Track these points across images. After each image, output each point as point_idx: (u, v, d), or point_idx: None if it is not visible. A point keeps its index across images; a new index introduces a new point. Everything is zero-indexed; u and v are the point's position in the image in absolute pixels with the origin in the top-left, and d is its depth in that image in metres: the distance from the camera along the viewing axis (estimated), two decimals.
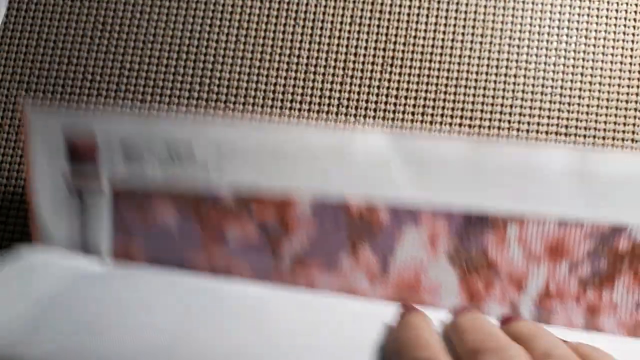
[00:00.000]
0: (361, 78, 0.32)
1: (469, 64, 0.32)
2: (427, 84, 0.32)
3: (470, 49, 0.32)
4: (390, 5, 0.32)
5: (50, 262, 0.27)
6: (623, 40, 0.32)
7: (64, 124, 0.27)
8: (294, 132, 0.28)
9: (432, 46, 0.32)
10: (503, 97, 0.31)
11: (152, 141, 0.27)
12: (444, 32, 0.32)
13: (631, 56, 0.32)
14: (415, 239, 0.29)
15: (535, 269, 0.29)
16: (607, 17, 0.32)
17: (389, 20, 0.32)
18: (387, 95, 0.32)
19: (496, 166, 0.28)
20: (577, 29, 0.32)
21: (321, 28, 0.32)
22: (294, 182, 0.28)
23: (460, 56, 0.32)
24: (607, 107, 0.31)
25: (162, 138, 0.27)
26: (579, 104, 0.31)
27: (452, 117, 0.31)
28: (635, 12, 0.32)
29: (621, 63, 0.32)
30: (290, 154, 0.28)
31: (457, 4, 0.32)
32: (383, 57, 0.32)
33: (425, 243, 0.29)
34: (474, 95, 0.32)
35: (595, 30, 0.32)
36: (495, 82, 0.32)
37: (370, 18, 0.32)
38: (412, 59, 0.32)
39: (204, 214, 0.28)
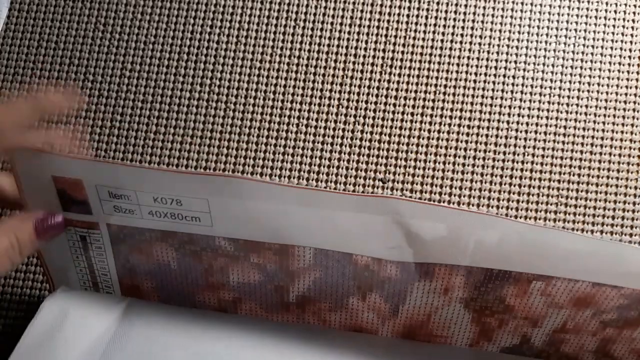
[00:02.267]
0: (361, 79, 0.32)
1: (468, 64, 0.32)
2: (427, 84, 0.32)
3: (470, 50, 0.32)
4: (390, 6, 0.33)
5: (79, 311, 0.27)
6: (622, 41, 0.32)
7: (53, 172, 0.26)
8: (283, 198, 0.25)
9: (432, 47, 0.32)
10: (502, 98, 0.32)
11: (140, 195, 0.26)
12: (443, 33, 0.32)
13: (630, 57, 0.32)
14: (428, 291, 0.27)
15: (556, 313, 0.27)
16: (605, 18, 0.32)
17: (388, 21, 0.33)
18: (387, 96, 0.32)
19: (519, 245, 0.25)
20: (575, 30, 0.32)
21: (321, 29, 0.33)
22: (292, 240, 0.26)
23: (460, 57, 0.32)
24: (605, 108, 0.32)
25: (150, 193, 0.25)
26: (577, 105, 0.32)
27: (451, 117, 0.31)
28: (634, 13, 0.33)
29: (620, 64, 0.32)
30: (284, 217, 0.26)
31: (457, 5, 0.33)
32: (383, 57, 0.32)
33: (438, 293, 0.27)
34: (473, 95, 0.32)
35: (594, 32, 0.32)
36: (494, 82, 0.32)
37: (370, 19, 0.33)
38: (412, 60, 0.32)
39: (203, 259, 0.28)
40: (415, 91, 0.32)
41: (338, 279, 0.27)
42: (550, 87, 0.32)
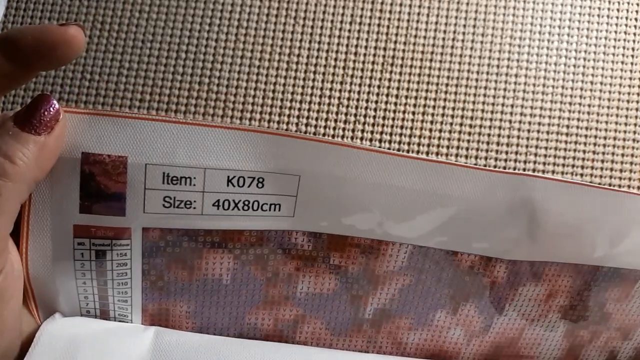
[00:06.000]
0: (361, 78, 0.32)
1: (469, 63, 0.32)
2: (427, 83, 0.32)
3: (471, 48, 0.32)
4: (391, 4, 0.32)
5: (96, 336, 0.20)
6: (624, 40, 0.32)
7: (84, 146, 0.18)
8: (400, 166, 0.20)
9: (432, 46, 0.32)
10: (503, 97, 0.31)
11: (207, 177, 0.19)
12: (444, 32, 0.32)
13: (632, 56, 0.32)
14: (529, 298, 0.24)
15: None
16: (607, 16, 0.32)
17: (389, 19, 0.32)
18: (387, 95, 0.31)
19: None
20: (578, 28, 0.32)
21: (321, 27, 0.32)
22: (390, 235, 0.22)
23: (460, 56, 0.32)
24: (608, 107, 0.31)
25: (223, 171, 0.19)
26: (579, 104, 0.31)
27: (452, 117, 0.31)
28: (637, 11, 0.32)
29: (622, 63, 0.32)
30: (391, 192, 0.21)
31: (458, 3, 0.32)
32: (383, 56, 0.32)
33: (539, 301, 0.24)
34: (474, 95, 0.31)
35: (596, 30, 0.32)
36: (495, 81, 0.31)
37: (370, 17, 0.32)
38: (412, 59, 0.32)
39: (269, 265, 0.22)
40: (416, 90, 0.31)
41: (430, 287, 0.23)
42: (552, 86, 0.31)
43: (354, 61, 0.32)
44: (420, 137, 0.31)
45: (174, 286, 0.22)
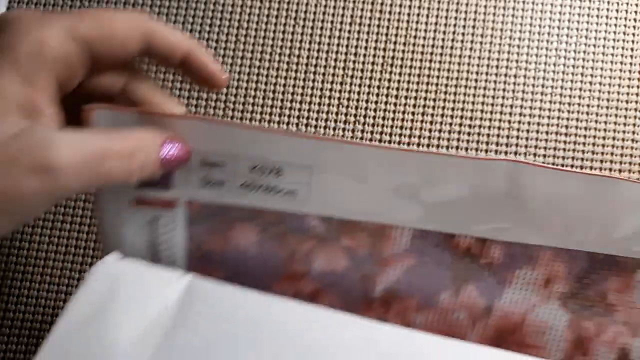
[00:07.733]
0: (361, 78, 0.32)
1: (469, 64, 0.32)
2: (427, 83, 0.32)
3: (471, 49, 0.32)
4: (390, 5, 0.32)
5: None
6: (623, 40, 0.32)
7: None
8: (400, 160, 0.22)
9: (432, 46, 0.32)
10: (503, 97, 0.31)
11: (236, 163, 0.23)
12: (444, 32, 0.32)
13: (631, 56, 0.32)
14: (528, 282, 0.25)
15: None
16: (607, 17, 0.32)
17: (389, 20, 0.32)
18: (387, 95, 0.32)
19: (628, 203, 0.23)
20: (577, 29, 0.32)
21: (321, 28, 0.32)
22: (393, 219, 0.24)
23: (460, 56, 0.32)
24: (607, 107, 0.31)
25: (248, 160, 0.23)
26: (579, 104, 0.31)
27: (452, 117, 0.31)
28: (636, 12, 0.32)
29: (621, 63, 0.32)
30: (393, 184, 0.23)
31: (457, 4, 0.32)
32: (383, 57, 0.32)
33: (538, 286, 0.25)
34: (474, 95, 0.32)
35: (596, 30, 0.32)
36: (495, 82, 0.32)
37: (370, 18, 0.32)
38: (412, 59, 0.32)
39: (289, 242, 0.25)
40: (416, 90, 0.32)
41: (432, 268, 0.25)
42: (552, 87, 0.32)
43: (354, 62, 0.32)
44: (420, 137, 0.31)
45: (211, 256, 0.25)
